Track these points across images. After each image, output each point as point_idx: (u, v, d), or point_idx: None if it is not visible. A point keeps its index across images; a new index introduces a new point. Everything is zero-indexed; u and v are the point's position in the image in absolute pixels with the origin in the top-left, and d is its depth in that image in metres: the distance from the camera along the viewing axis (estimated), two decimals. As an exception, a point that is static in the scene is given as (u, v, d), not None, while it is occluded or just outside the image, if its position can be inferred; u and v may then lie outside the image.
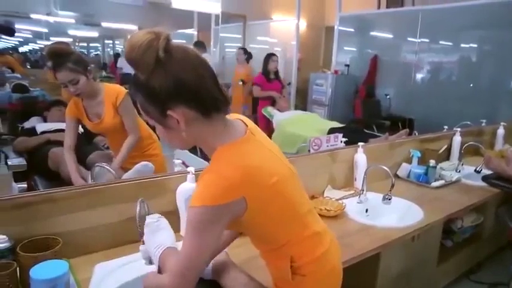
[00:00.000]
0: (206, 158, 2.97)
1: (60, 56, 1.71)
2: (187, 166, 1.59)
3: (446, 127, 3.03)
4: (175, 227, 1.49)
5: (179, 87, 0.82)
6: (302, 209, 0.98)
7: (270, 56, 4.36)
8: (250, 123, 0.98)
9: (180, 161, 1.62)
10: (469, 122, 3.26)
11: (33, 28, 4.82)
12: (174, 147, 0.95)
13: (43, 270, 1.01)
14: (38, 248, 1.14)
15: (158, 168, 1.96)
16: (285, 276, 0.96)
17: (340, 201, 1.85)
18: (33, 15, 4.51)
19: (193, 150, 3.25)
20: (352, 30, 5.81)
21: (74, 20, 5.16)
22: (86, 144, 2.54)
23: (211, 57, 5.28)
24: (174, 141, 0.91)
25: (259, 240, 1.01)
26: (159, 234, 1.05)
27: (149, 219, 1.09)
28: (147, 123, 2.00)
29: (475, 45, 4.52)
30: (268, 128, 3.94)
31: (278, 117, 3.88)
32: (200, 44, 5.33)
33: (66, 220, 1.28)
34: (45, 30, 4.81)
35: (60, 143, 2.40)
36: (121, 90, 1.90)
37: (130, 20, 5.62)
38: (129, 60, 0.81)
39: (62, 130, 2.57)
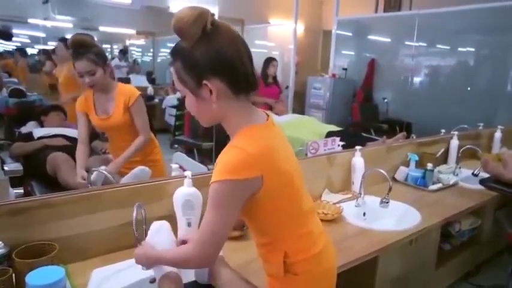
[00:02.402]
0: (204, 162, 2.95)
1: (82, 46, 1.77)
2: (184, 170, 1.59)
3: (443, 130, 3.03)
4: (173, 232, 1.50)
5: (219, 60, 0.87)
6: (305, 206, 1.00)
7: (270, 61, 4.35)
8: (271, 115, 1.02)
9: (177, 166, 1.61)
10: (466, 126, 3.27)
11: (31, 33, 4.81)
12: (199, 121, 0.97)
13: (39, 276, 1.01)
14: (34, 254, 1.14)
15: (159, 174, 1.96)
16: (278, 272, 0.97)
17: (337, 205, 1.85)
18: (30, 20, 4.51)
19: (190, 154, 3.25)
20: (349, 34, 5.83)
21: (72, 25, 5.16)
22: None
23: None
24: (201, 114, 0.94)
25: (259, 230, 1.01)
26: (161, 235, 1.09)
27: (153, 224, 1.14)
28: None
29: (472, 49, 4.54)
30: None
31: (276, 120, 3.87)
32: None
33: (62, 225, 1.28)
34: (42, 34, 4.80)
35: (57, 149, 2.39)
36: (135, 91, 1.92)
37: (127, 24, 5.63)
38: (176, 29, 0.86)
39: (60, 136, 2.58)
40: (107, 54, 6.36)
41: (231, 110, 0.92)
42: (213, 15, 0.87)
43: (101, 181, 1.68)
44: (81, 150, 1.95)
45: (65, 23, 5.03)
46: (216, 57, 0.86)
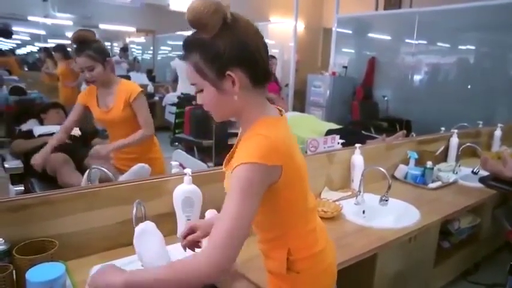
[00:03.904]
0: (204, 160, 2.96)
1: (83, 42, 1.80)
2: (184, 168, 1.60)
3: (443, 128, 3.04)
4: (173, 229, 1.50)
5: (242, 51, 0.85)
6: (309, 204, 1.00)
7: (269, 59, 4.35)
8: (283, 110, 1.02)
9: (177, 163, 1.62)
10: (466, 124, 3.27)
11: (31, 30, 4.81)
12: (214, 115, 0.94)
13: (39, 273, 1.01)
14: (34, 251, 1.14)
15: (158, 172, 1.97)
16: (280, 269, 0.97)
17: (337, 203, 1.85)
18: (30, 18, 4.51)
19: (190, 152, 3.25)
20: (349, 32, 5.83)
21: (72, 22, 5.16)
22: (82, 147, 2.54)
23: None
24: (219, 107, 0.91)
25: (267, 224, 0.98)
26: (149, 239, 1.07)
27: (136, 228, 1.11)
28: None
29: (473, 47, 4.54)
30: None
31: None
32: None
33: (62, 222, 1.28)
34: (42, 32, 4.80)
35: (57, 146, 2.39)
36: (135, 88, 1.93)
37: (128, 22, 5.62)
38: (194, 20, 0.84)
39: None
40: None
41: (249, 102, 0.91)
42: (229, 6, 0.86)
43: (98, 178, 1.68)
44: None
45: (65, 21, 5.03)
46: (240, 48, 0.85)
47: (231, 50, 0.84)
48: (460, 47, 4.64)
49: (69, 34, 5.27)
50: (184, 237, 1.12)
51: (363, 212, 1.94)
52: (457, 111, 4.05)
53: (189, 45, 0.89)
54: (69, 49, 5.10)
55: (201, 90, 0.90)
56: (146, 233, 1.09)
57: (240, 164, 0.81)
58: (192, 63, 0.88)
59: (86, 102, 2.01)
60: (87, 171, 1.56)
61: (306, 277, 0.98)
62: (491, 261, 2.67)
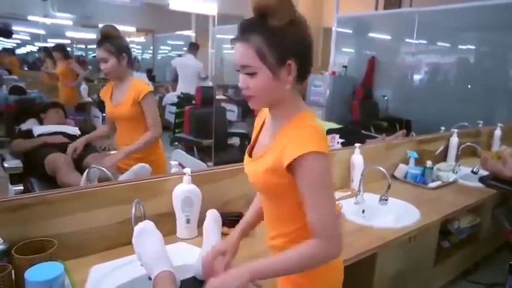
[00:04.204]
0: (203, 159, 2.93)
1: (105, 37, 1.90)
2: (183, 167, 1.59)
3: (443, 128, 3.04)
4: (172, 229, 1.50)
5: (304, 45, 0.90)
6: None
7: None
8: None
9: (176, 163, 1.62)
10: (466, 123, 3.27)
11: (31, 30, 4.81)
12: (258, 101, 0.93)
13: (38, 272, 1.01)
14: (33, 250, 1.14)
15: (162, 171, 1.99)
16: None
17: (336, 202, 1.85)
18: (30, 17, 4.50)
19: (190, 151, 3.25)
20: (349, 31, 5.82)
21: (72, 22, 5.15)
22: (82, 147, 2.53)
23: (199, 61, 5.30)
24: (267, 92, 0.91)
25: (293, 215, 0.98)
26: (148, 239, 1.06)
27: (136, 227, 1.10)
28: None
29: (473, 47, 4.53)
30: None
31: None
32: (194, 46, 5.34)
33: (61, 222, 1.28)
34: (42, 32, 4.80)
35: (57, 146, 2.39)
36: (145, 87, 1.96)
37: (127, 22, 5.61)
38: (268, 5, 0.86)
39: (59, 133, 2.57)
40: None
41: (293, 94, 0.94)
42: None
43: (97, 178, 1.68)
44: (99, 128, 2.12)
45: (65, 21, 5.02)
46: (303, 42, 0.90)
47: (296, 41, 0.88)
48: (460, 46, 4.63)
49: (70, 34, 5.30)
50: (209, 260, 1.08)
51: (363, 211, 1.94)
52: (457, 111, 4.05)
53: (253, 28, 0.89)
54: (69, 49, 5.10)
55: (252, 74, 0.89)
56: (145, 233, 1.09)
57: (308, 152, 0.83)
58: (253, 45, 0.88)
59: (103, 97, 2.08)
60: (86, 171, 1.55)
61: (320, 272, 0.98)
62: (491, 260, 2.67)
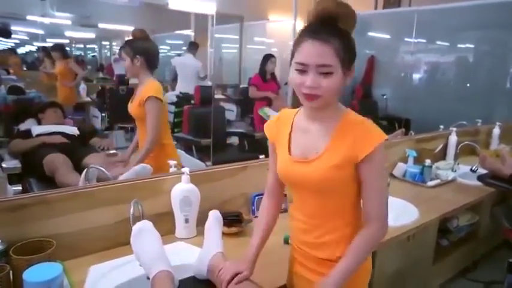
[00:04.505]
0: (202, 159, 2.93)
1: (130, 39, 2.06)
2: (182, 167, 1.60)
3: (442, 127, 3.04)
4: (171, 228, 1.50)
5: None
6: None
7: (268, 57, 4.35)
8: None
9: (175, 162, 1.61)
10: (465, 122, 3.27)
11: (29, 30, 4.80)
12: (326, 99, 0.97)
13: (37, 273, 1.01)
14: (31, 251, 1.14)
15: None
16: None
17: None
18: (29, 17, 4.49)
19: (189, 151, 3.25)
20: (348, 30, 5.81)
21: (70, 22, 5.15)
22: (81, 147, 2.54)
23: (198, 60, 5.30)
24: (336, 92, 0.97)
25: (355, 205, 1.05)
26: (146, 238, 1.06)
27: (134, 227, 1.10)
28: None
29: (472, 46, 4.53)
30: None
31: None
32: (193, 45, 5.34)
33: (60, 222, 1.28)
34: (41, 31, 4.79)
35: (55, 146, 2.39)
36: (149, 91, 1.95)
37: (126, 21, 5.60)
38: (346, 13, 0.95)
39: (58, 133, 2.57)
40: (106, 51, 6.37)
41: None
42: None
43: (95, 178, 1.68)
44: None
45: (64, 20, 5.02)
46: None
47: (355, 47, 0.98)
48: (459, 45, 4.63)
49: (68, 33, 5.30)
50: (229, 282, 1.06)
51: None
52: (456, 110, 4.05)
53: (332, 31, 0.94)
54: (68, 48, 5.09)
55: (327, 74, 0.93)
56: (143, 232, 1.09)
57: (378, 144, 0.95)
58: (333, 47, 0.93)
59: None
60: (85, 171, 1.55)
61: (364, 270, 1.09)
62: (489, 258, 2.67)
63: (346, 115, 1.02)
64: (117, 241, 1.37)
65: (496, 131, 3.27)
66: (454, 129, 2.88)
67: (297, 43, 0.96)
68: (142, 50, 1.98)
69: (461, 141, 2.81)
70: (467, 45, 4.56)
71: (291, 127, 1.07)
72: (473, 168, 2.54)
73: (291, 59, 0.99)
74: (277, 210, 1.18)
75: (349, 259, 0.98)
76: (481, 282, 2.46)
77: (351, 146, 0.97)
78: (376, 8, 6.01)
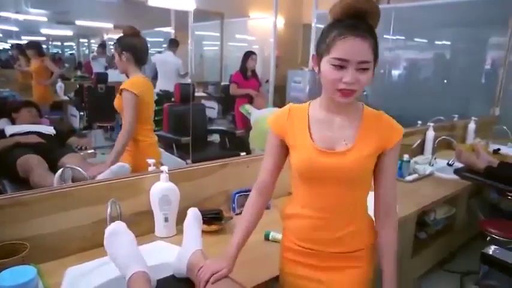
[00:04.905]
0: (182, 157, 2.90)
1: (121, 35, 2.09)
2: (162, 165, 1.58)
3: (420, 122, 3.09)
4: (150, 228, 1.49)
5: None
6: None
7: (249, 54, 4.34)
8: None
9: (153, 161, 1.60)
10: (442, 117, 3.34)
11: (3, 27, 4.66)
12: (357, 94, 0.98)
13: (10, 277, 0.98)
14: (4, 254, 1.11)
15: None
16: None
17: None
18: (2, 13, 4.36)
19: (169, 149, 3.22)
20: (329, 27, 5.85)
21: (46, 18, 5.02)
22: (58, 147, 2.48)
23: (178, 58, 5.26)
24: (365, 84, 0.98)
25: (364, 196, 1.11)
26: (119, 240, 1.05)
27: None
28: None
29: (448, 43, 4.63)
30: (246, 125, 3.94)
31: (256, 114, 3.87)
32: (173, 42, 5.28)
33: (35, 224, 1.25)
34: (15, 28, 4.66)
35: (30, 146, 2.33)
36: (125, 84, 2.01)
37: (105, 18, 5.51)
38: (377, 12, 1.00)
39: (32, 132, 2.50)
40: (84, 48, 6.24)
41: None
42: None
43: (76, 179, 1.65)
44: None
45: (39, 17, 4.89)
46: None
47: None
48: (436, 42, 4.72)
49: (45, 31, 5.17)
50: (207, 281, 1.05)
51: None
52: (433, 105, 4.13)
53: (367, 27, 0.97)
54: (44, 46, 4.96)
55: (365, 70, 0.96)
56: (116, 234, 1.07)
57: (402, 132, 1.06)
58: (371, 43, 0.96)
59: None
60: (59, 171, 1.52)
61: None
62: (466, 249, 2.74)
63: (363, 107, 1.07)
64: (95, 242, 1.34)
65: (472, 125, 3.36)
66: (432, 124, 2.94)
67: (334, 38, 0.95)
68: (129, 46, 2.03)
69: (439, 136, 2.87)
70: (444, 42, 4.66)
71: (308, 120, 1.07)
72: (449, 162, 2.60)
73: (320, 54, 0.98)
74: (263, 208, 1.17)
75: (390, 260, 1.09)
76: (458, 272, 2.52)
77: (380, 136, 1.03)
78: (355, 5, 6.06)
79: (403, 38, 4.94)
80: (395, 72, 5.06)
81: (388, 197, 1.08)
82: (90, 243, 1.34)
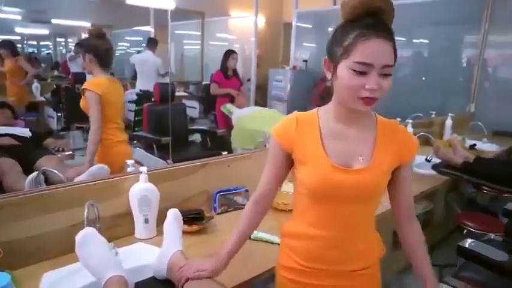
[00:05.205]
0: (163, 157, 2.89)
1: (86, 36, 2.23)
2: (143, 166, 1.55)
3: (399, 119, 3.14)
4: (131, 230, 1.46)
5: None
6: None
7: (230, 53, 4.32)
8: None
9: (132, 161, 1.57)
10: (420, 114, 3.41)
11: (-25, 25, 4.52)
12: (377, 102, 0.92)
13: (-18, 284, 0.95)
14: (-24, 261, 1.07)
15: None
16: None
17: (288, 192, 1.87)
18: (-27, 12, 4.22)
19: (150, 149, 3.18)
20: (310, 26, 5.90)
21: (20, 17, 4.88)
22: (34, 149, 2.41)
23: (157, 57, 5.21)
24: (386, 91, 0.91)
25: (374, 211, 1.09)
26: (90, 246, 1.02)
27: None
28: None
29: (426, 41, 4.72)
30: (227, 124, 3.93)
31: (237, 114, 3.86)
32: (152, 42, 5.23)
33: (9, 228, 1.21)
34: (-13, 27, 4.52)
35: (3, 149, 2.26)
36: (85, 84, 2.09)
37: (82, 17, 5.39)
38: (384, 7, 0.86)
39: (6, 135, 2.43)
40: (61, 48, 6.09)
41: None
42: None
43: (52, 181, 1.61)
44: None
45: (13, 15, 4.75)
46: None
47: None
48: (414, 40, 4.81)
49: (19, 29, 5.02)
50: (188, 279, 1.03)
51: (323, 202, 1.97)
52: (412, 102, 4.22)
53: (387, 27, 0.87)
54: (19, 45, 4.82)
55: (388, 75, 0.87)
56: (87, 240, 1.04)
57: (417, 143, 1.02)
58: (392, 45, 0.86)
59: None
60: (32, 174, 1.48)
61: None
62: (444, 243, 2.80)
63: (377, 117, 1.01)
64: (72, 246, 1.29)
65: (449, 122, 3.43)
66: (410, 121, 3.00)
67: (355, 40, 0.84)
68: (92, 48, 2.09)
69: (417, 132, 2.92)
70: (422, 40, 4.75)
71: (319, 132, 0.97)
72: (428, 158, 2.65)
73: (335, 59, 0.89)
74: (259, 220, 1.10)
75: (427, 259, 1.11)
76: (437, 265, 2.57)
77: (397, 150, 0.97)
78: (335, 3, 6.14)
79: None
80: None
81: (409, 203, 1.06)
82: (68, 247, 1.30)
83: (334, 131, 0.97)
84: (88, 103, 2.04)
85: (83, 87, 2.05)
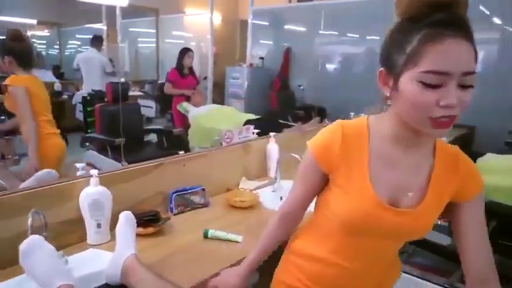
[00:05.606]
0: (117, 159, 2.82)
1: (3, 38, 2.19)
2: (96, 169, 1.50)
3: (353, 114, 3.25)
4: (83, 236, 1.40)
5: None
6: None
7: (185, 51, 4.26)
8: None
9: (83, 165, 1.50)
10: (373, 107, 3.52)
11: None
12: (458, 117, 0.73)
13: None
14: None
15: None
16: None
17: (254, 192, 1.88)
18: None
19: (103, 151, 3.07)
20: (266, 23, 5.94)
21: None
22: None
23: (102, 55, 5.05)
24: (467, 107, 0.74)
25: None
26: (36, 256, 0.96)
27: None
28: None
29: (378, 38, 4.91)
30: (184, 123, 3.87)
31: (194, 112, 3.83)
32: (96, 39, 5.05)
33: None
34: None
35: None
36: (6, 82, 2.09)
37: (27, 13, 5.10)
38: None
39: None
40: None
41: None
42: None
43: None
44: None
45: None
46: None
47: None
48: (367, 37, 4.98)
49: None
50: None
51: (281, 198, 1.99)
52: (365, 97, 4.35)
53: (469, 26, 0.68)
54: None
55: (469, 86, 0.68)
56: (32, 250, 0.98)
57: (482, 178, 0.81)
58: (474, 47, 0.67)
59: None
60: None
61: None
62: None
63: (436, 141, 0.82)
64: (15, 258, 1.23)
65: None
66: (363, 115, 3.10)
67: (424, 43, 0.66)
68: (9, 50, 2.10)
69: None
70: (374, 37, 4.93)
71: (368, 154, 0.81)
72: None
73: (396, 70, 0.72)
74: (283, 240, 1.04)
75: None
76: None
77: (455, 187, 0.80)
78: (290, 1, 6.23)
79: (337, 33, 5.15)
80: (331, 66, 5.27)
81: (480, 264, 0.80)
82: (11, 259, 1.23)
83: (386, 155, 0.81)
84: (14, 99, 2.02)
85: (5, 83, 2.04)
